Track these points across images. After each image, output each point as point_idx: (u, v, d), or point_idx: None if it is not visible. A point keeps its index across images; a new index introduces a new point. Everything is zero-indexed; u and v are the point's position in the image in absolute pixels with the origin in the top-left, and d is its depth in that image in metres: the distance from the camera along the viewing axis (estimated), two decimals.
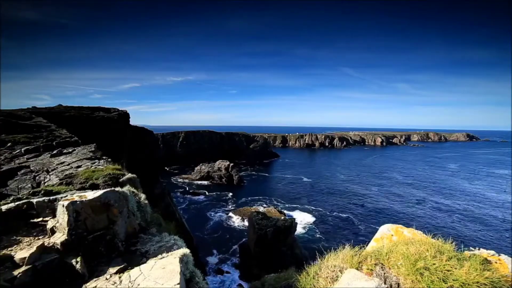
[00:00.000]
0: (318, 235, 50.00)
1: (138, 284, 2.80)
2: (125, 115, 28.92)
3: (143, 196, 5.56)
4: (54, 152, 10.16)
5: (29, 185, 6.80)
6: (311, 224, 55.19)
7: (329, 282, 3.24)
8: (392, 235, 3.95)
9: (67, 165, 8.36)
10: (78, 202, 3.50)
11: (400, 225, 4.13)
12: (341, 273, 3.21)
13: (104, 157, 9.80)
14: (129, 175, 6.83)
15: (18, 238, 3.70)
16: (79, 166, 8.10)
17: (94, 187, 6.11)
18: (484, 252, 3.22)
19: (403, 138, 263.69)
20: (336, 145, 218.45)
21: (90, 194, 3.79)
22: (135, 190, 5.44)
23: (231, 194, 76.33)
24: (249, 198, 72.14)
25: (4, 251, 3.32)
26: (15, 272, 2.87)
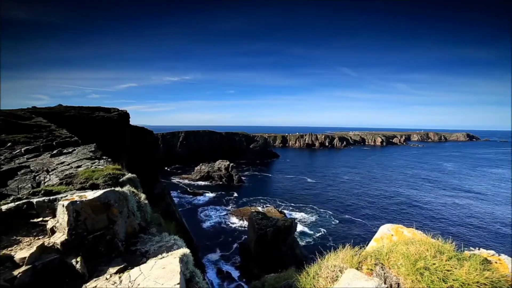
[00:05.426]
0: (318, 235, 50.01)
1: (138, 284, 2.79)
2: (125, 115, 28.93)
3: (143, 196, 5.56)
4: (54, 152, 10.16)
5: (29, 185, 6.79)
6: (311, 224, 55.20)
7: (329, 282, 3.24)
8: (392, 235, 3.95)
9: (67, 165, 8.36)
10: (78, 202, 3.50)
11: (400, 225, 4.13)
12: (341, 273, 3.21)
13: (104, 157, 9.79)
14: (129, 175, 6.82)
15: (18, 238, 3.70)
16: (79, 166, 8.09)
17: (94, 187, 6.10)
18: (484, 252, 3.22)
19: (403, 138, 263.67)
20: (336, 145, 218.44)
21: (90, 194, 3.79)
22: (135, 190, 5.44)
23: (231, 194, 76.32)
24: (249, 198, 72.10)
25: (4, 251, 3.32)
26: (15, 272, 2.87)
